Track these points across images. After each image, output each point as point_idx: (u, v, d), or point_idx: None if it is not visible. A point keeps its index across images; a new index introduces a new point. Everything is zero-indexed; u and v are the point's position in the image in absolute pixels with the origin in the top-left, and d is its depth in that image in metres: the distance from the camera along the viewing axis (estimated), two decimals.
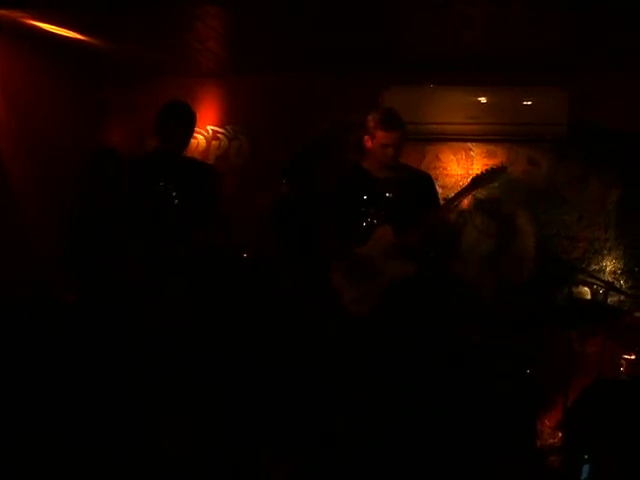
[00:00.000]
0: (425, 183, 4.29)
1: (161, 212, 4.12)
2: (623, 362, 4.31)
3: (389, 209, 4.14)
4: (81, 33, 4.89)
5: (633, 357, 4.29)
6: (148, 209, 4.10)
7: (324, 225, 4.29)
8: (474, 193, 4.32)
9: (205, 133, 5.98)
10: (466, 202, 5.41)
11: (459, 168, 5.54)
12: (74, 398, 4.14)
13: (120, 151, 4.90)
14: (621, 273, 5.22)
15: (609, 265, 5.23)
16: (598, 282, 4.66)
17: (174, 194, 4.13)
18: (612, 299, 4.83)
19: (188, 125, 4.23)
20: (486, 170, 4.16)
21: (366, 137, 4.14)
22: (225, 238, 4.50)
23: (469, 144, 5.51)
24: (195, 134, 5.91)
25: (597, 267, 5.23)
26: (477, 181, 4.18)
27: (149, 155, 4.33)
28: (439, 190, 4.69)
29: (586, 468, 3.33)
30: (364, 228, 4.16)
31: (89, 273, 4.40)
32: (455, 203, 4.19)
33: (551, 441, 4.29)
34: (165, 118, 4.16)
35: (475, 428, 4.11)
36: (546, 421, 4.39)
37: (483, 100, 5.18)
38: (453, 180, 5.51)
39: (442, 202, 4.32)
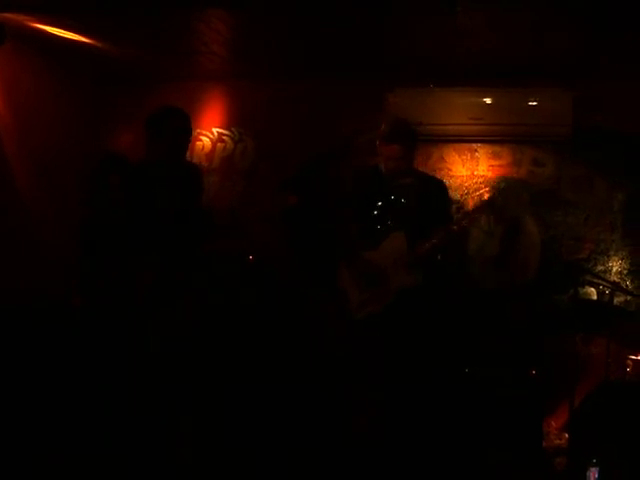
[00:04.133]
0: (439, 189, 4.27)
1: (164, 219, 4.06)
2: (629, 363, 4.31)
3: (403, 215, 4.13)
4: (85, 37, 4.90)
5: (639, 358, 4.30)
6: (148, 217, 4.04)
7: (342, 226, 4.26)
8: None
9: (210, 135, 5.98)
10: (471, 203, 5.43)
11: (464, 169, 5.52)
12: (78, 402, 4.14)
13: (126, 156, 4.88)
14: (627, 274, 5.21)
15: (615, 266, 5.22)
16: (604, 283, 4.64)
17: (174, 200, 4.08)
18: (618, 300, 4.82)
19: (176, 130, 4.00)
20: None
21: (377, 145, 4.14)
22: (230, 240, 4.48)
23: (474, 145, 5.50)
24: (200, 136, 5.93)
25: (603, 268, 5.22)
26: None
27: (144, 163, 4.20)
28: None
29: (591, 470, 3.32)
30: (376, 232, 4.15)
31: (98, 279, 4.38)
32: (468, 219, 4.18)
33: (557, 442, 4.29)
34: (150, 126, 4.01)
35: (478, 431, 4.12)
36: (552, 422, 4.38)
37: (488, 101, 5.17)
38: (458, 181, 5.50)
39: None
